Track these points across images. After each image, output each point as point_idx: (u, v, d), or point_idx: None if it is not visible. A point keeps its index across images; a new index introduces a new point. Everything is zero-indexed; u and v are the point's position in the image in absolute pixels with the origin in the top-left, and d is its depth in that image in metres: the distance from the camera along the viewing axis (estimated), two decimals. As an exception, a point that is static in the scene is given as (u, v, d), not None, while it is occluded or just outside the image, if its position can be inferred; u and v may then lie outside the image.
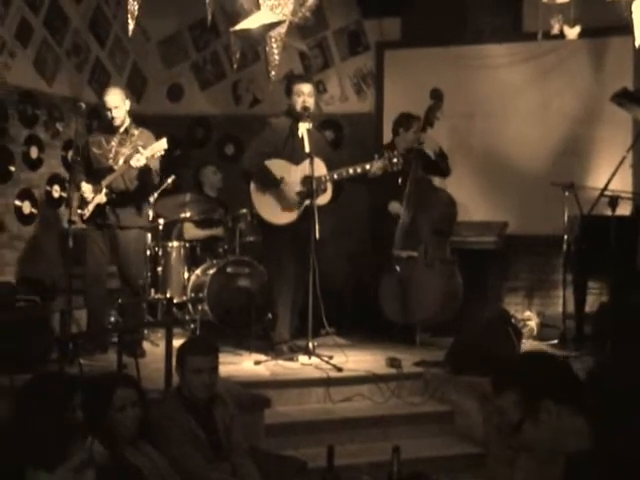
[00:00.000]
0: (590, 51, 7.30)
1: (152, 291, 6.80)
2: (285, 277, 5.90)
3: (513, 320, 6.31)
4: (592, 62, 7.34)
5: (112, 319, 6.47)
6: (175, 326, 5.56)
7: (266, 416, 4.84)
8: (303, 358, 5.62)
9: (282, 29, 5.32)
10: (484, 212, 7.43)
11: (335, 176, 5.81)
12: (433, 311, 6.37)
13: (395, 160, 5.82)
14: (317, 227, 5.50)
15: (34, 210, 7.04)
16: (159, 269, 6.83)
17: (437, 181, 6.85)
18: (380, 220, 6.65)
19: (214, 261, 6.85)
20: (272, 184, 5.83)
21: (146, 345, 6.14)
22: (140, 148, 5.66)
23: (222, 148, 8.36)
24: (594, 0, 5.62)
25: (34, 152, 7.06)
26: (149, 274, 6.78)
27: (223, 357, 5.11)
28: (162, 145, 5.71)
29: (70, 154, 6.89)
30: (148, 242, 6.66)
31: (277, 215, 5.86)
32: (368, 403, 5.30)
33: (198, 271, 6.82)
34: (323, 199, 5.80)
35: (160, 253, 6.86)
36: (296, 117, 5.91)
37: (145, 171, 5.76)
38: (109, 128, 5.92)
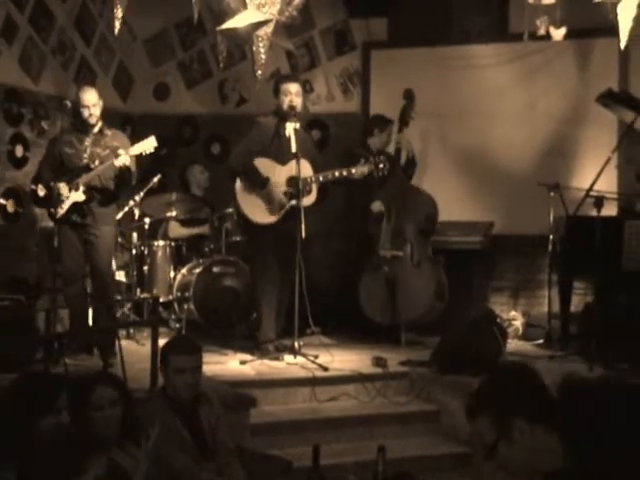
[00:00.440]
0: (576, 52, 7.32)
1: (138, 290, 6.78)
2: (269, 277, 5.89)
3: (498, 320, 6.34)
4: (578, 63, 7.36)
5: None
6: (161, 325, 5.54)
7: (252, 415, 4.83)
8: (289, 357, 5.62)
9: (269, 28, 5.32)
10: (470, 212, 7.43)
11: (321, 178, 5.81)
12: (419, 311, 6.39)
13: (382, 165, 5.82)
14: (303, 227, 5.50)
15: (19, 209, 7.00)
16: (145, 268, 6.81)
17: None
18: (363, 220, 6.66)
19: (200, 260, 6.84)
20: (258, 184, 5.83)
21: (131, 345, 6.11)
22: (130, 147, 5.62)
23: (209, 147, 8.33)
24: (580, 1, 5.63)
25: (19, 150, 7.01)
26: (135, 273, 6.77)
27: (209, 357, 5.14)
28: (152, 143, 5.66)
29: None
30: (119, 240, 6.63)
31: (261, 215, 5.85)
32: (354, 402, 5.30)
33: (184, 270, 6.80)
34: (307, 200, 5.78)
35: (146, 252, 6.83)
36: (283, 116, 5.90)
37: (125, 170, 5.67)
38: (81, 127, 5.78)
